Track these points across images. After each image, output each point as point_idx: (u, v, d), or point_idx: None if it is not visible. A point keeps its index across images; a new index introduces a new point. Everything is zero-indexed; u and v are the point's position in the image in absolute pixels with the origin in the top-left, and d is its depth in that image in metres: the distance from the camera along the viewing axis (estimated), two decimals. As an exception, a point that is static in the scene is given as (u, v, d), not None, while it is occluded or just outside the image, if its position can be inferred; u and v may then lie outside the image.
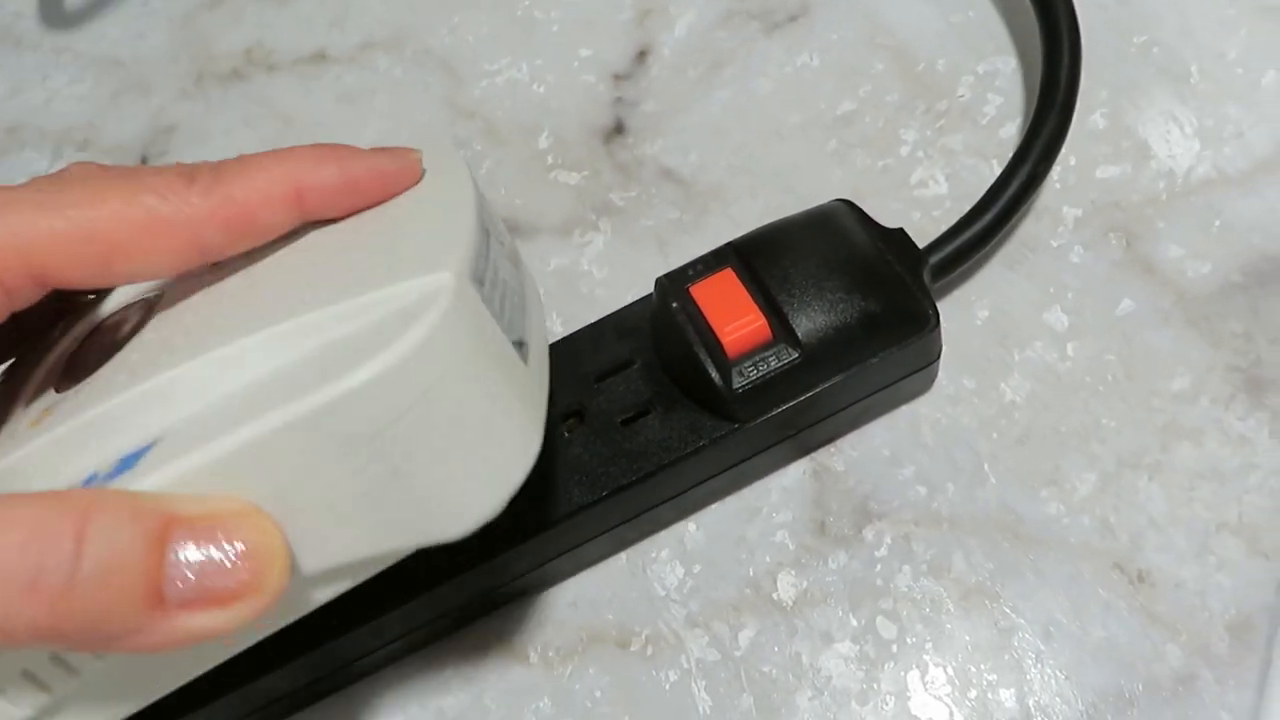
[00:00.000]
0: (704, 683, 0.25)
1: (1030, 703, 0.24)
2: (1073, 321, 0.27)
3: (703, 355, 0.25)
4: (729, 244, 0.26)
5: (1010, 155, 0.28)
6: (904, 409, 0.27)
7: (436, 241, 0.19)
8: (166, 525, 0.16)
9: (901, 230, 0.27)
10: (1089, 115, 0.30)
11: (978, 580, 0.25)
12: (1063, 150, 0.28)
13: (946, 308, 0.28)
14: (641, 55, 0.34)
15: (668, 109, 0.33)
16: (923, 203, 0.30)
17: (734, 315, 0.25)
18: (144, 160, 0.36)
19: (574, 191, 0.32)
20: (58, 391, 0.21)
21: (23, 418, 0.21)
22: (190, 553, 0.16)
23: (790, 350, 0.25)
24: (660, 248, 0.30)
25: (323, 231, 0.21)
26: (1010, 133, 0.30)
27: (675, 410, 0.25)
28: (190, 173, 0.20)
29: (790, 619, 0.25)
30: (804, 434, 0.26)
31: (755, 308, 0.25)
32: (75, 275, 0.19)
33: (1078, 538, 0.25)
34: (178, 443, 0.17)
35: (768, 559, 0.26)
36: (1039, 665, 0.24)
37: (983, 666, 0.24)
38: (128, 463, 0.17)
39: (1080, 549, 0.25)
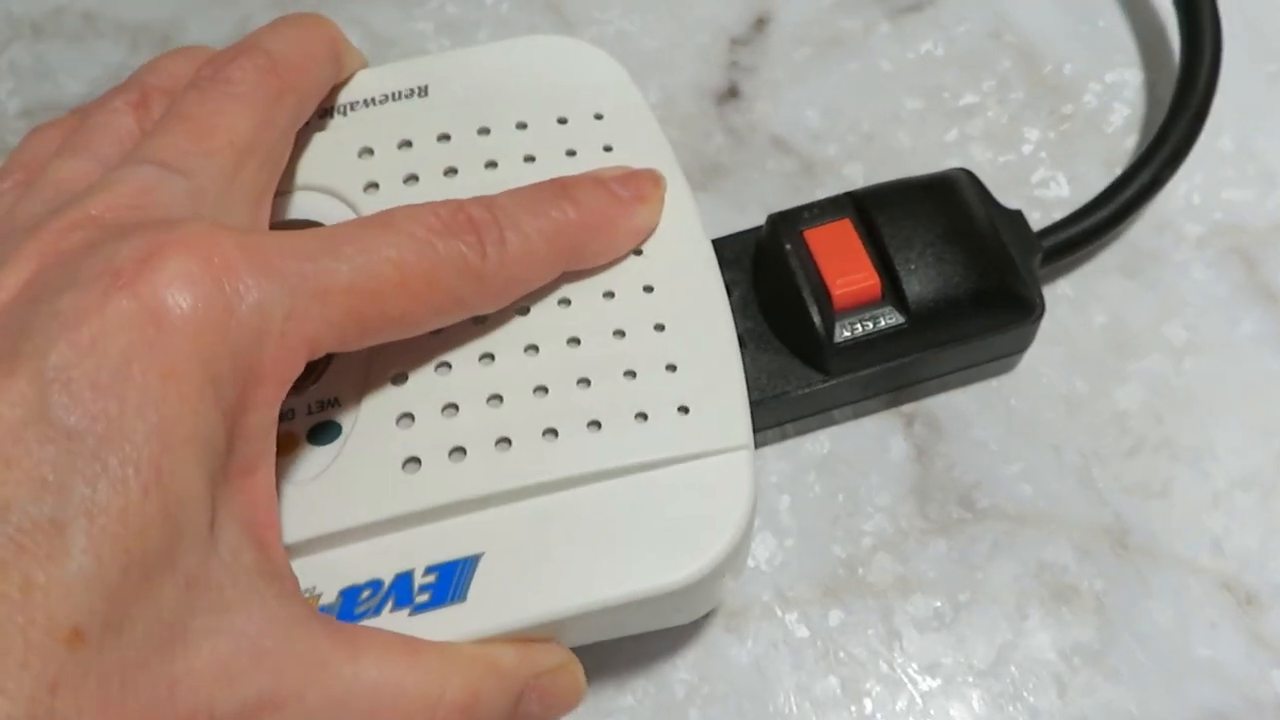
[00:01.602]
0: (789, 659, 0.24)
1: (1125, 710, 0.23)
2: (1190, 337, 0.27)
3: (809, 302, 0.24)
4: (848, 193, 0.25)
5: (1129, 166, 0.27)
6: (1018, 408, 0.26)
7: (718, 388, 0.21)
8: (524, 688, 0.18)
9: (1020, 213, 0.26)
10: (1218, 136, 0.29)
11: (1078, 583, 0.24)
12: (1189, 166, 0.27)
13: (1064, 309, 0.27)
14: (760, 23, 0.33)
15: (784, 79, 0.32)
16: (1043, 202, 0.29)
17: (847, 268, 0.24)
18: (228, 65, 0.34)
19: (681, 149, 0.31)
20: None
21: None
22: (533, 708, 0.19)
23: (897, 314, 0.24)
24: (765, 213, 0.30)
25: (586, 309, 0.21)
26: (1133, 143, 0.30)
27: (766, 352, 0.25)
28: (476, 229, 0.19)
29: (884, 603, 0.25)
30: (885, 396, 0.26)
31: (869, 264, 0.24)
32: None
33: (1186, 553, 0.25)
34: (502, 576, 0.19)
35: (864, 540, 0.25)
36: (1137, 675, 0.23)
37: (1079, 669, 0.24)
38: (451, 574, 0.19)
39: (1188, 565, 0.24)
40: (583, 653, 0.20)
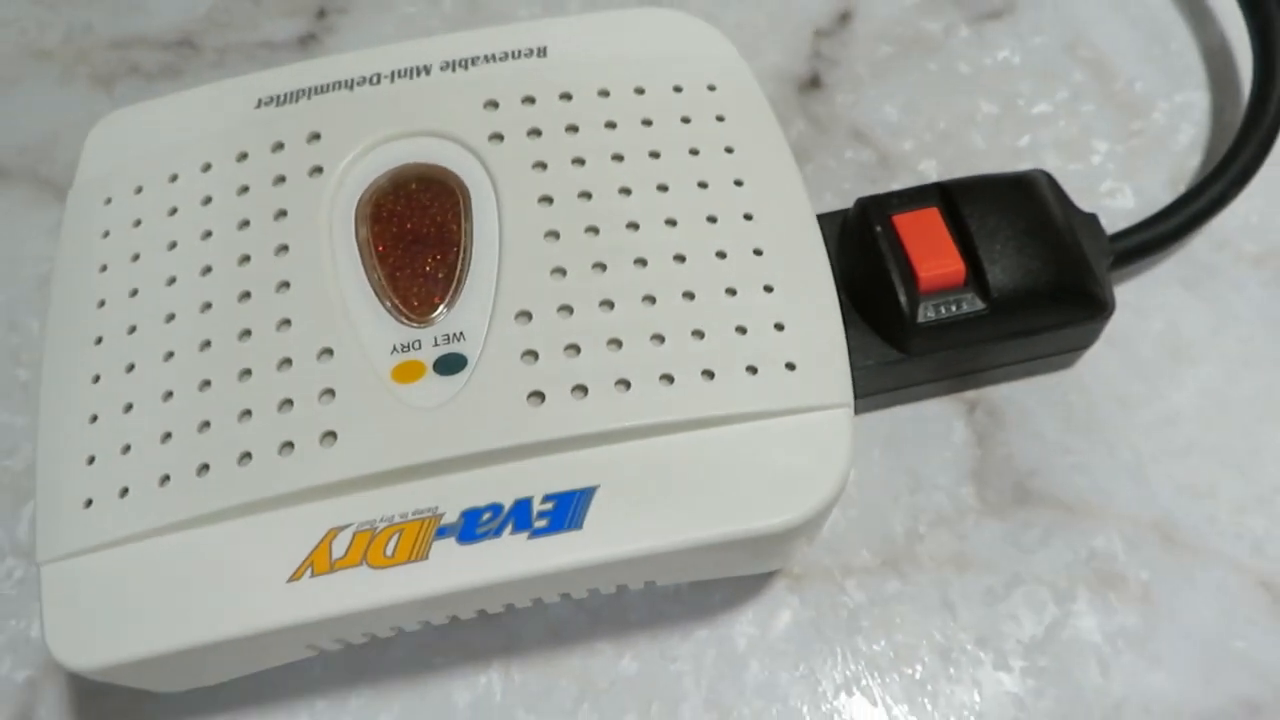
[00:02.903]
0: (847, 621, 0.25)
1: (1163, 693, 0.24)
2: (1244, 351, 0.28)
3: (896, 282, 0.25)
4: (935, 184, 0.27)
5: (1197, 182, 0.29)
6: (1075, 403, 0.28)
7: (822, 348, 0.22)
8: None
9: (1095, 216, 0.27)
10: (1278, 163, 0.31)
11: (1126, 573, 0.26)
12: (1251, 188, 0.29)
13: (1124, 314, 0.29)
14: (844, 17, 0.34)
15: (865, 74, 0.33)
16: (1108, 211, 0.30)
17: (933, 253, 0.25)
18: (321, 14, 0.35)
19: (763, 132, 0.32)
20: (410, 321, 0.22)
21: (376, 346, 0.21)
22: None
23: (978, 300, 0.25)
24: (845, 200, 0.31)
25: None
26: (1197, 163, 0.31)
27: (848, 326, 0.26)
28: None
29: (940, 576, 0.26)
30: (952, 381, 0.27)
31: (955, 251, 0.25)
32: None
33: (1228, 551, 0.26)
34: (615, 508, 0.20)
35: (923, 517, 0.26)
36: (1176, 661, 0.25)
37: (1122, 651, 0.25)
38: (569, 503, 0.20)
39: (1230, 562, 0.26)
40: (647, 600, 0.21)
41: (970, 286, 0.25)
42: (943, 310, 0.25)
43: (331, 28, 0.35)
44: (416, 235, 0.22)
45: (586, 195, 0.22)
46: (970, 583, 0.26)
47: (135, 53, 0.35)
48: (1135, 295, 0.29)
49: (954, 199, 0.26)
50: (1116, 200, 0.31)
